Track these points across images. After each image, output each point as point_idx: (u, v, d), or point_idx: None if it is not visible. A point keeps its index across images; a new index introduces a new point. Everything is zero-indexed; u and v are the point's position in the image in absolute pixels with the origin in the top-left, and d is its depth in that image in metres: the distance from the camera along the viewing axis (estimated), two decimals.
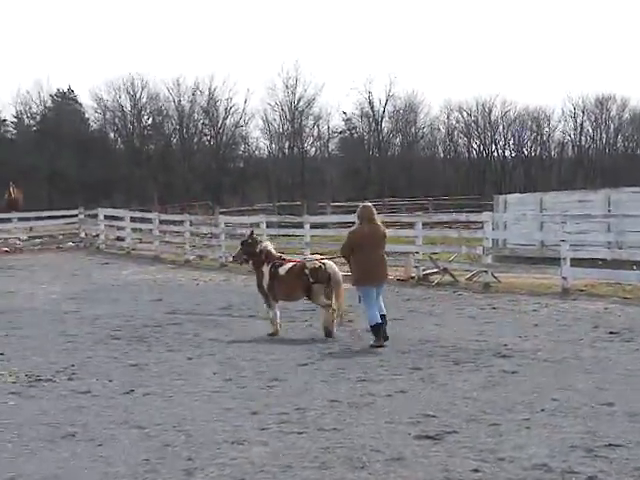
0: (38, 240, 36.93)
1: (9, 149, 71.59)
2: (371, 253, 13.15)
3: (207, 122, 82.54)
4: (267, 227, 27.97)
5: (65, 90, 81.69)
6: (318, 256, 16.07)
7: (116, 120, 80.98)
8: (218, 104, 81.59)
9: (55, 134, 73.01)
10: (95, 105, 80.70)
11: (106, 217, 36.37)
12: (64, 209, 40.49)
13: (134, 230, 34.82)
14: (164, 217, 34.66)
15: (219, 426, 8.33)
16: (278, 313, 14.36)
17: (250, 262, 15.10)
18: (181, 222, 32.17)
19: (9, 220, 36.11)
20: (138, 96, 79.84)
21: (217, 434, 8.05)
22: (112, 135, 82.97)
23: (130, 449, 7.60)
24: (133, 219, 35.36)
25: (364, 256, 13.10)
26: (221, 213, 35.07)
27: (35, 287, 22.07)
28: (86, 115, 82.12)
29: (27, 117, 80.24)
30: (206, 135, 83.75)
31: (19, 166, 64.67)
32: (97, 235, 36.46)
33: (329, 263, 14.42)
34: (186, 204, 52.49)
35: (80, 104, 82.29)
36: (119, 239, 35.48)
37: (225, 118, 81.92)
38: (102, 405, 9.28)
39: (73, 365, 11.59)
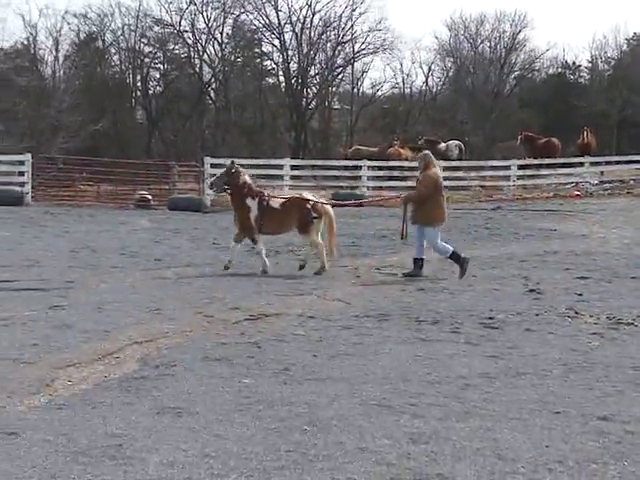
0: (608, 185, 36.67)
1: (582, 94, 72.02)
2: (443, 195, 14.33)
3: None
4: None
5: None
6: (307, 193, 16.13)
7: None
8: None
9: (627, 79, 71.83)
10: None
11: None
12: (633, 154, 39.88)
13: None
14: None
15: None
16: (264, 249, 14.58)
17: (229, 194, 14.97)
18: None
19: (581, 164, 36.51)
20: None
21: None
22: None
23: None
24: None
25: (441, 197, 14.16)
26: None
27: (606, 231, 22.06)
28: None
29: (601, 62, 79.96)
30: None
31: (591, 111, 64.82)
32: None
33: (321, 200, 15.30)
34: None
35: None
36: None
37: None
38: None
39: None
